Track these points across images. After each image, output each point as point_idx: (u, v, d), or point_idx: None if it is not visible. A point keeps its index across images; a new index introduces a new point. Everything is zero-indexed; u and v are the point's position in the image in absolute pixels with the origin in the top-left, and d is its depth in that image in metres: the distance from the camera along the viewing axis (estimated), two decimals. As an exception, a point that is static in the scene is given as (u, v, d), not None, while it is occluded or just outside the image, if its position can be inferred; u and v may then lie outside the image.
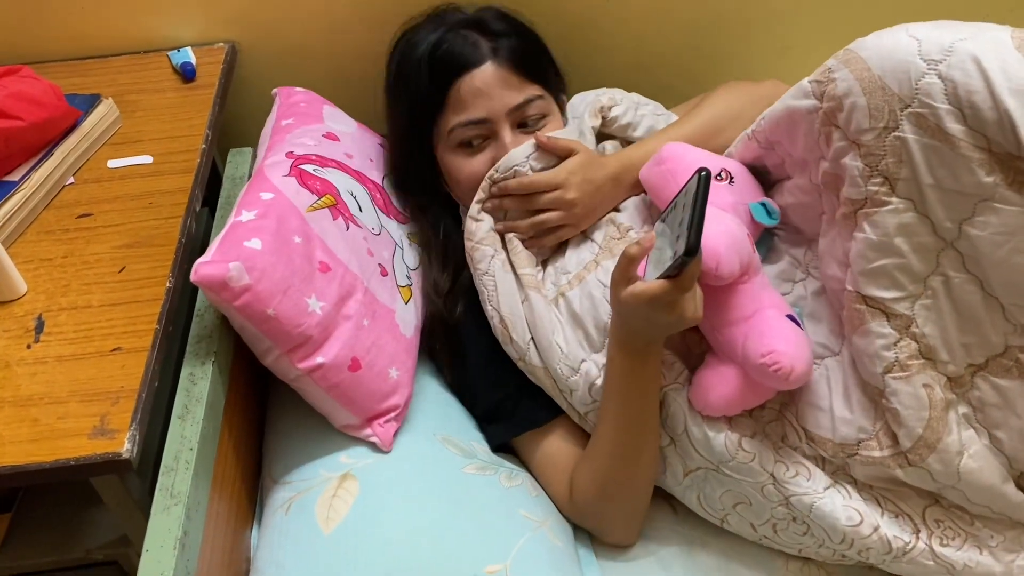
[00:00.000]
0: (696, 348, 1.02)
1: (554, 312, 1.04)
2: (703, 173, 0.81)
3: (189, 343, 0.96)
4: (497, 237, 1.08)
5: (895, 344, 0.89)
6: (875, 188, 0.87)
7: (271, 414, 1.09)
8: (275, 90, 1.22)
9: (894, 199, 0.86)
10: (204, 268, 0.88)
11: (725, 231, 0.92)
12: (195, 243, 1.03)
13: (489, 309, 1.06)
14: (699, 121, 1.12)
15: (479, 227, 1.08)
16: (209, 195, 1.16)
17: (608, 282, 1.00)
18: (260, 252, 0.91)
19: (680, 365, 1.00)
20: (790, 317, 0.94)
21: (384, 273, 1.06)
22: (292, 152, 1.08)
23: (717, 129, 1.11)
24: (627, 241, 1.06)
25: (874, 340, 0.90)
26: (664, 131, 1.13)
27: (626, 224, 1.09)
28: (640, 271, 0.88)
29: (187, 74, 1.25)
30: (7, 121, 1.02)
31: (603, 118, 1.16)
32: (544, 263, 1.10)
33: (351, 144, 1.15)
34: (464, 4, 1.14)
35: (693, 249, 0.80)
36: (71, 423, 0.85)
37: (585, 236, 1.10)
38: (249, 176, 1.14)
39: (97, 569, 1.04)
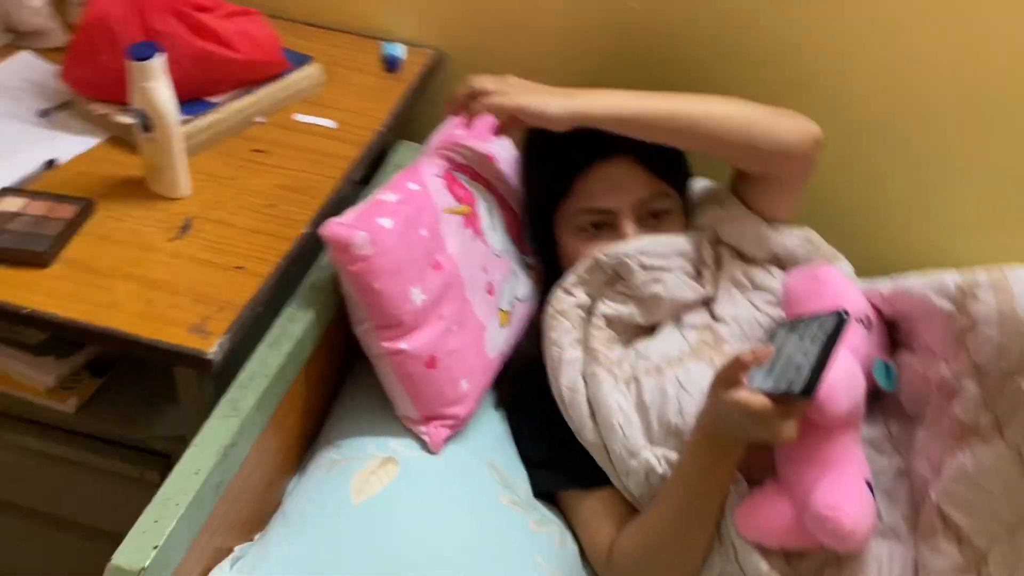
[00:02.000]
0: (761, 463, 1.00)
1: (621, 394, 1.04)
2: (844, 316, 0.81)
3: (300, 287, 1.04)
4: (580, 316, 1.09)
5: (962, 573, 0.86)
6: (985, 422, 0.85)
7: (346, 387, 1.15)
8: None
9: (1000, 443, 0.84)
10: (335, 227, 0.96)
11: (847, 375, 0.91)
12: (339, 205, 1.12)
13: (551, 378, 1.08)
14: (688, 106, 1.07)
15: (566, 300, 1.10)
16: (369, 174, 1.26)
17: (687, 385, 1.02)
18: (388, 231, 0.98)
19: (739, 475, 0.99)
20: (867, 483, 0.92)
21: (490, 292, 1.11)
22: (451, 158, 1.16)
23: (694, 122, 1.06)
24: (720, 352, 1.06)
25: (943, 559, 0.88)
26: (642, 94, 1.07)
27: (723, 335, 1.08)
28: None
29: (391, 65, 1.36)
30: (227, 51, 1.15)
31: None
32: (629, 343, 1.11)
33: (507, 168, 1.22)
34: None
35: (810, 391, 0.80)
36: (178, 314, 0.94)
37: (679, 327, 1.11)
38: (410, 166, 1.22)
39: (150, 456, 1.12)
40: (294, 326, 0.99)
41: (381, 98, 1.30)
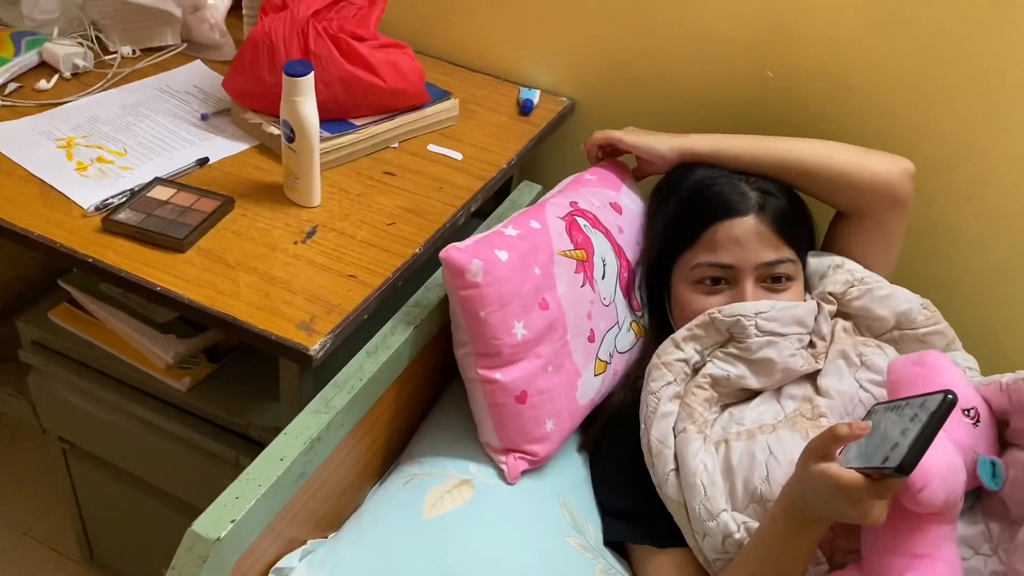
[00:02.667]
0: (846, 544, 0.97)
1: (709, 455, 1.03)
2: (950, 397, 0.79)
3: (407, 303, 1.10)
4: (684, 371, 1.09)
5: None
6: None
7: (437, 405, 1.19)
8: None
9: None
10: (454, 251, 1.00)
11: (947, 462, 0.87)
12: (455, 232, 1.17)
13: (643, 427, 1.08)
14: (800, 149, 1.17)
15: (674, 353, 1.10)
16: (489, 207, 1.31)
17: (777, 452, 1.00)
18: (502, 263, 1.02)
19: (821, 555, 0.97)
20: (959, 582, 0.88)
21: (591, 339, 1.12)
22: (576, 203, 1.18)
23: (806, 167, 1.16)
24: (815, 425, 1.03)
25: None
26: (753, 138, 1.18)
27: (821, 409, 1.06)
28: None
29: (525, 109, 1.42)
30: (373, 78, 1.23)
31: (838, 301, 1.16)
32: (725, 407, 1.11)
33: (629, 220, 1.24)
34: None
35: (907, 469, 0.77)
36: (290, 310, 1.01)
37: (777, 396, 1.09)
38: (530, 204, 1.27)
39: (248, 443, 1.19)
40: (394, 338, 1.04)
41: (510, 138, 1.36)
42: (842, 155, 1.15)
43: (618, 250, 1.20)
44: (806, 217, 1.18)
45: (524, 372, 1.04)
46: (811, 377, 1.11)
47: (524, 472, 1.07)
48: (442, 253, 1.00)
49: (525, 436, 1.06)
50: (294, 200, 1.17)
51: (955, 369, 1.00)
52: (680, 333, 1.11)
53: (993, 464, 0.95)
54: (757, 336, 1.08)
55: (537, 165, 1.38)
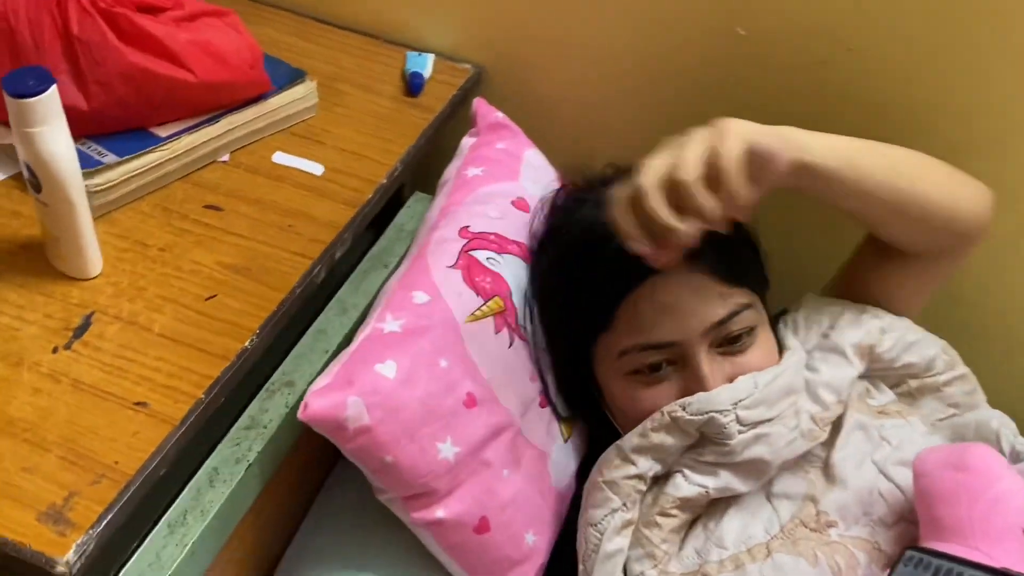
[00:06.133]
0: None
1: None
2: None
3: (236, 427, 0.74)
4: (636, 491, 0.78)
5: None
6: None
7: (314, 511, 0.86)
8: (474, 103, 0.98)
9: None
10: (317, 401, 0.70)
11: None
12: (308, 302, 0.81)
13: (581, 568, 0.79)
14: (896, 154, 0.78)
15: (622, 469, 0.78)
16: (367, 242, 0.94)
17: None
18: (390, 383, 0.72)
19: None
20: None
21: (544, 404, 0.84)
22: (468, 228, 0.85)
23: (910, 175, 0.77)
24: (824, 542, 0.75)
25: None
26: (853, 141, 0.76)
27: (830, 516, 0.77)
28: None
29: (412, 87, 1.03)
30: (175, 70, 0.83)
31: (870, 358, 0.85)
32: (693, 522, 0.80)
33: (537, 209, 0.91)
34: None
35: None
36: (32, 485, 0.64)
37: (767, 493, 0.79)
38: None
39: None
40: (211, 494, 0.69)
41: (393, 133, 0.98)
42: (931, 176, 0.79)
43: None
44: (745, 235, 0.84)
45: (473, 495, 0.76)
46: (810, 455, 0.81)
47: None
48: (301, 412, 0.70)
49: (504, 565, 0.80)
50: (61, 270, 0.78)
51: (1007, 472, 0.73)
52: (629, 441, 0.79)
53: None
54: (741, 433, 0.76)
55: (434, 167, 1.00)
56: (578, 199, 0.86)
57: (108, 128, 0.85)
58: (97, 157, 0.83)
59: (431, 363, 0.74)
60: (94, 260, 0.78)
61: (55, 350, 0.72)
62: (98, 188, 0.82)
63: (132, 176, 0.84)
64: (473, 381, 0.77)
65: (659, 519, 0.78)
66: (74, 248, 0.76)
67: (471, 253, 0.83)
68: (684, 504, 0.78)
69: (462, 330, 0.78)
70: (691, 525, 0.81)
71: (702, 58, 0.98)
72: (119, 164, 0.83)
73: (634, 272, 0.76)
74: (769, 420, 0.77)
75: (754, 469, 0.78)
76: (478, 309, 0.80)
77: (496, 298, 0.82)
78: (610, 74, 1.04)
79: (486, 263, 0.83)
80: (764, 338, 0.82)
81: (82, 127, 0.84)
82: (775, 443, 0.77)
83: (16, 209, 0.83)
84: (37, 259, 0.79)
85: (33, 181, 0.72)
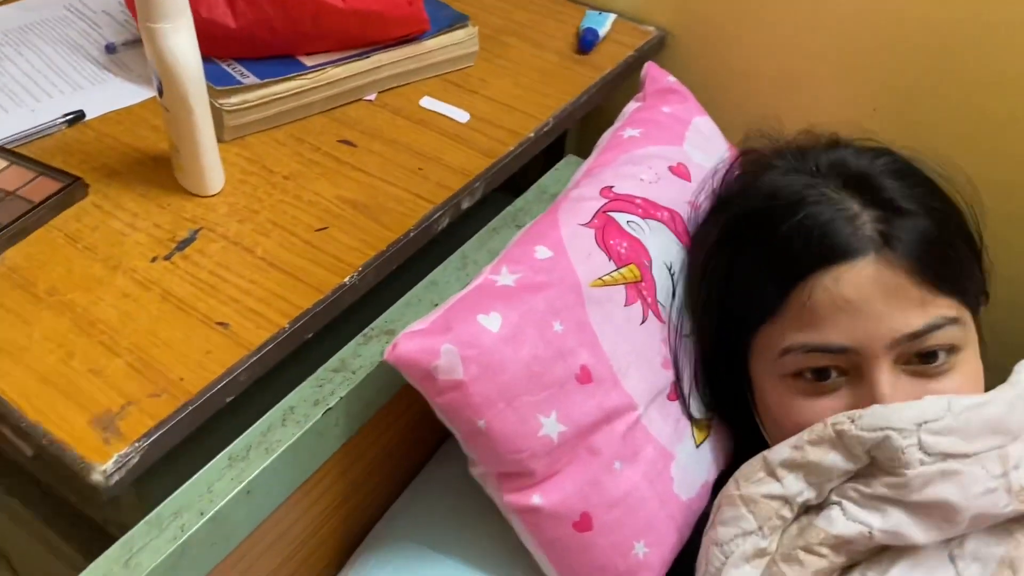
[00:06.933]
0: None
1: None
2: None
3: (324, 367, 0.67)
4: (780, 515, 0.63)
5: None
6: None
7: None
8: (645, 67, 0.87)
9: None
10: (406, 344, 0.61)
11: None
12: (429, 253, 0.74)
13: None
14: None
15: (765, 484, 0.64)
16: (507, 198, 0.86)
17: None
18: (492, 337, 0.62)
19: None
20: None
21: (674, 397, 0.71)
22: (611, 188, 0.74)
23: None
24: None
25: None
26: None
27: None
28: None
29: (584, 44, 0.94)
30: (323, -7, 0.79)
31: None
32: (851, 567, 0.64)
33: (703, 179, 0.78)
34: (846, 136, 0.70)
35: None
36: (93, 387, 0.61)
37: (947, 550, 0.62)
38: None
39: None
40: (281, 431, 0.62)
41: (554, 89, 0.89)
42: None
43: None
44: (964, 231, 0.67)
45: (576, 484, 0.65)
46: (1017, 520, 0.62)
47: None
48: (387, 353, 0.61)
49: (604, 574, 0.67)
50: (183, 184, 0.76)
51: None
52: (779, 452, 0.64)
53: None
54: (923, 464, 0.60)
55: (595, 135, 0.90)
56: (764, 164, 0.73)
57: (257, 52, 0.83)
58: (238, 77, 0.81)
59: (543, 323, 0.64)
60: (213, 177, 0.75)
61: (154, 259, 0.69)
62: (234, 108, 0.79)
63: (270, 101, 0.81)
64: (591, 353, 0.66)
65: (802, 556, 0.63)
66: (192, 160, 0.73)
67: (609, 213, 0.72)
68: (838, 544, 0.63)
69: (585, 293, 0.67)
70: (845, 573, 0.65)
71: (927, 31, 0.82)
72: (258, 87, 0.80)
73: (818, 253, 0.63)
74: (964, 456, 0.61)
75: (936, 514, 0.61)
76: (608, 274, 0.69)
77: (632, 266, 0.70)
78: (814, 46, 0.90)
79: (626, 226, 0.72)
80: (969, 363, 0.65)
81: (231, 47, 0.82)
82: (968, 486, 0.60)
83: (157, 124, 0.82)
84: (163, 173, 0.77)
85: (158, 83, 0.70)
